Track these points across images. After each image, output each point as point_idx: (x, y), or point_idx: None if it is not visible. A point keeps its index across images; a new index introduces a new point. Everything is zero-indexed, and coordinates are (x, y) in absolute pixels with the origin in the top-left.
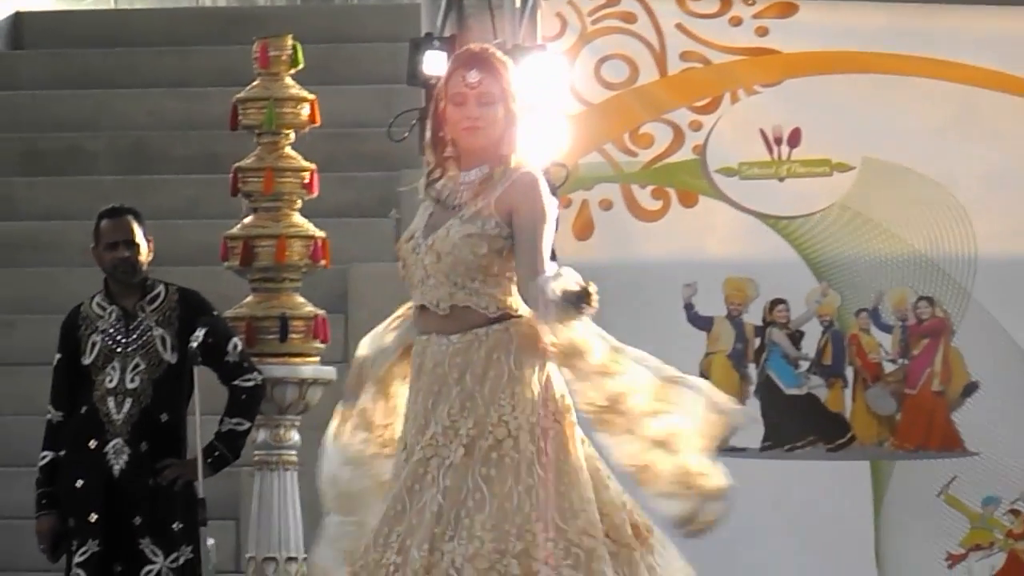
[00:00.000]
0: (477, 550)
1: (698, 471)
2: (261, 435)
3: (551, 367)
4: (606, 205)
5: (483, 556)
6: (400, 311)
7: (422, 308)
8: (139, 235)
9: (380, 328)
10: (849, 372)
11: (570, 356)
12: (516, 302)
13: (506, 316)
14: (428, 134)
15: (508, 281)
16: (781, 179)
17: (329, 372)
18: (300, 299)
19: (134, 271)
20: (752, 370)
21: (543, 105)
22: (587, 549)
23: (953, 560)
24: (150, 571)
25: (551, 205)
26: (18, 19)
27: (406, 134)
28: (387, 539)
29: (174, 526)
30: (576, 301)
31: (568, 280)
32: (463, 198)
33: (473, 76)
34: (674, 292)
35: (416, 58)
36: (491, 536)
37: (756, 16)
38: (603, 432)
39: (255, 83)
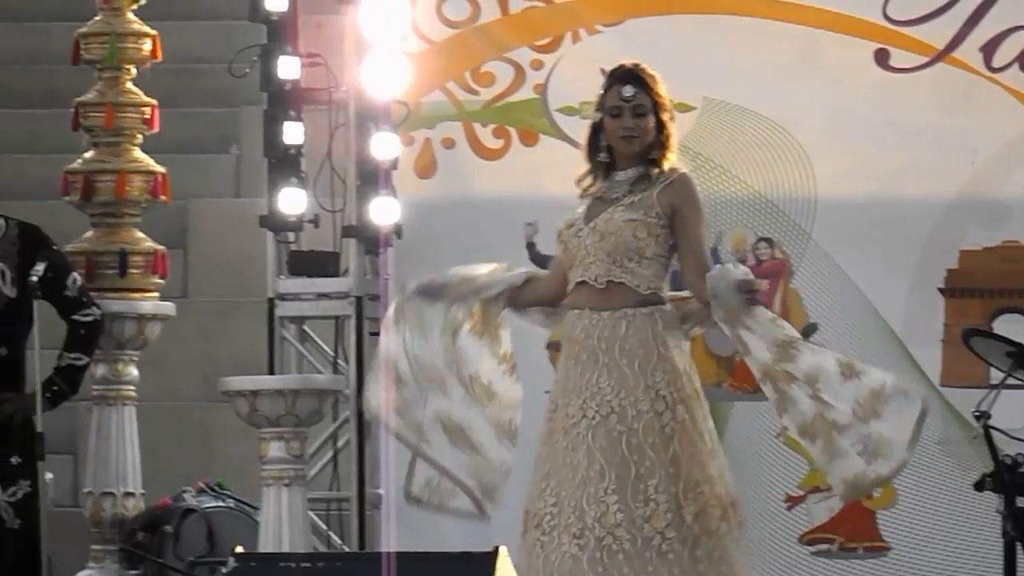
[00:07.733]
0: (653, 511)
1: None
2: (100, 370)
3: (682, 350)
4: (448, 143)
5: (660, 516)
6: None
7: (581, 283)
8: None
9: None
10: None
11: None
12: (664, 285)
13: (653, 298)
14: (586, 142)
15: (659, 265)
16: None
17: (168, 307)
18: (140, 234)
19: None
20: None
21: (385, 43)
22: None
23: (792, 502)
24: None
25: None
26: None
27: (247, 70)
28: (542, 491)
29: (12, 460)
30: (751, 290)
31: (739, 273)
32: (621, 192)
33: (628, 91)
34: (515, 231)
35: None
36: (664, 498)
37: None
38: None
39: (97, 18)
